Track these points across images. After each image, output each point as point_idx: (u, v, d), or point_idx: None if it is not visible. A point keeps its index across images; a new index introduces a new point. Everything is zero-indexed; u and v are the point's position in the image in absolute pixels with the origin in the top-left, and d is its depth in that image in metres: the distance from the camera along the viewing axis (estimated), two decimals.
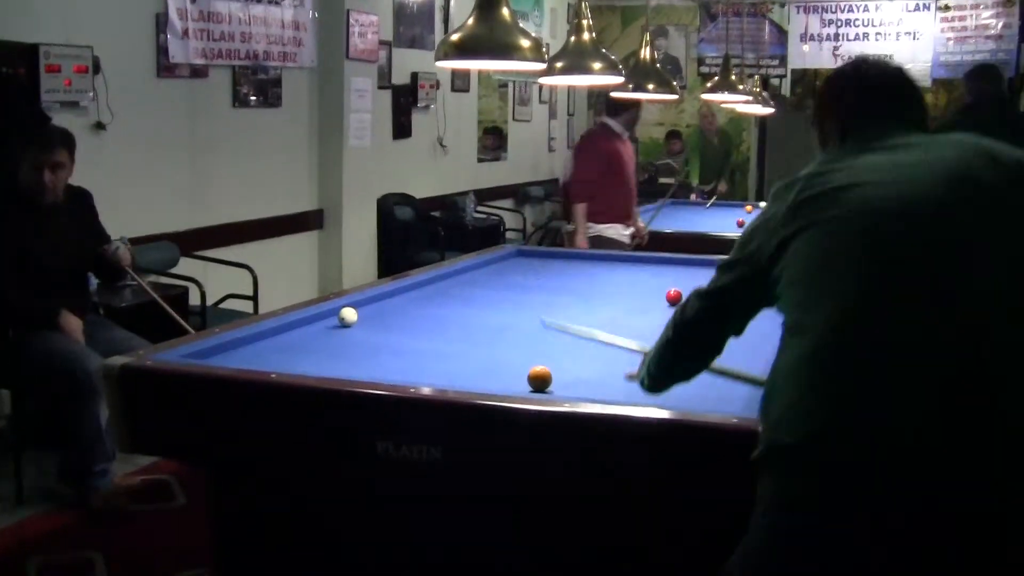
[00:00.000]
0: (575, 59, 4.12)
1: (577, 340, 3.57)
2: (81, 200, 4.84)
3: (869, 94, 2.20)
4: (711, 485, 2.42)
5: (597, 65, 4.12)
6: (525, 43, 3.12)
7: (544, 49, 3.24)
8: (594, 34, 4.15)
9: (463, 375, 3.06)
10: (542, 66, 3.35)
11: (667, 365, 2.41)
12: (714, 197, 10.46)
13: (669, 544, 2.61)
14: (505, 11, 3.13)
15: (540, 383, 2.84)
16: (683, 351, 2.37)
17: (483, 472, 2.70)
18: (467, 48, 3.11)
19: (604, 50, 4.20)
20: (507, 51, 3.11)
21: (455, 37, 3.13)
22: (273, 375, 2.89)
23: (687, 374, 2.43)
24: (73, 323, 4.59)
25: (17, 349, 4.53)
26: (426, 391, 2.75)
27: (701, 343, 2.34)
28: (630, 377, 2.68)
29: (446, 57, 3.15)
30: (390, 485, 2.80)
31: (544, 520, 2.74)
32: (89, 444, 4.48)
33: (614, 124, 6.76)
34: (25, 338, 4.52)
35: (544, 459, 2.64)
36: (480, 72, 10.14)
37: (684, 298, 2.35)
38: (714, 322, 2.27)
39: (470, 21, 3.15)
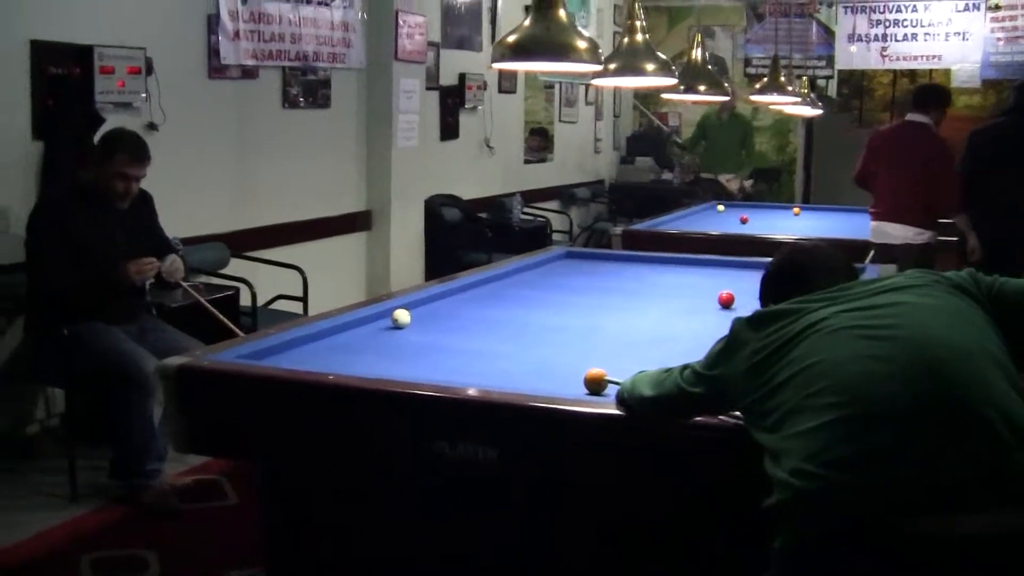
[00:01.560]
0: (628, 60, 4.10)
1: (631, 342, 3.57)
2: (144, 202, 4.90)
3: (786, 282, 2.51)
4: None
5: (650, 66, 4.09)
6: (582, 44, 3.10)
7: (600, 50, 3.22)
8: (647, 35, 4.13)
9: (517, 376, 3.06)
10: (598, 67, 3.33)
11: (644, 408, 2.55)
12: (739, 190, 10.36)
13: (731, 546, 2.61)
14: (561, 12, 3.11)
15: (596, 386, 2.83)
16: (660, 413, 2.55)
17: (539, 473, 2.70)
18: (524, 49, 3.09)
19: (657, 51, 4.18)
20: (564, 52, 3.09)
21: (511, 38, 3.11)
22: (331, 376, 2.91)
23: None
24: (132, 268, 4.61)
25: (71, 348, 4.56)
26: (483, 392, 2.76)
27: (675, 416, 2.55)
28: (613, 382, 2.77)
29: (503, 59, 3.13)
30: (446, 485, 2.81)
31: (599, 521, 2.74)
32: (142, 444, 4.52)
33: (929, 123, 6.55)
34: (79, 337, 4.56)
35: (601, 461, 2.64)
36: (527, 73, 10.13)
37: (678, 368, 2.50)
38: (687, 411, 2.52)
39: (526, 22, 3.13)
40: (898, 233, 6.35)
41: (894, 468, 1.92)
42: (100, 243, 4.63)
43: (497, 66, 3.25)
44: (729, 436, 2.42)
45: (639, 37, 4.10)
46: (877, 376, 2.02)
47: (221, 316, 4.71)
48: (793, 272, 2.55)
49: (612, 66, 4.08)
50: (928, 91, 6.87)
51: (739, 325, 2.36)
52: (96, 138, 5.10)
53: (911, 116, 6.60)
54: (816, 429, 2.01)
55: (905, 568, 1.91)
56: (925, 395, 1.97)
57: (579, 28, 3.24)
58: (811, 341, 2.16)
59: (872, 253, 6.01)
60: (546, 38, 3.08)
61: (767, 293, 2.61)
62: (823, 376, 2.07)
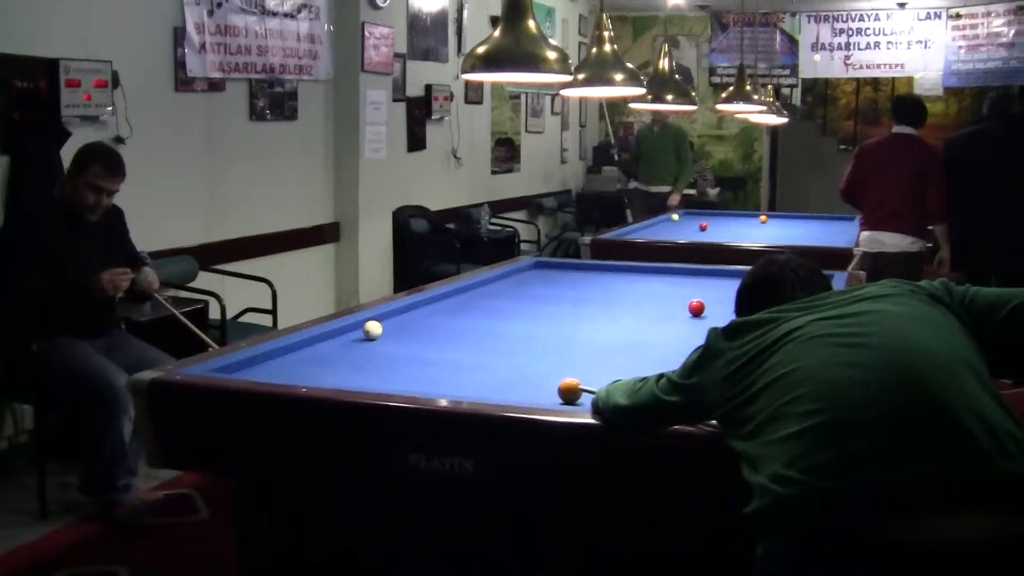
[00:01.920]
0: (597, 70, 4.13)
1: (603, 351, 3.58)
2: (114, 217, 4.87)
3: (760, 295, 2.55)
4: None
5: (619, 76, 4.12)
6: (552, 55, 3.12)
7: (570, 61, 3.24)
8: (615, 45, 4.15)
9: (492, 386, 3.06)
10: (568, 78, 3.34)
11: (619, 418, 2.56)
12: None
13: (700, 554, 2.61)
14: (531, 23, 3.12)
15: (570, 395, 2.84)
16: (635, 422, 2.55)
17: (515, 484, 2.70)
18: (495, 60, 3.10)
19: (626, 62, 4.21)
20: (535, 63, 3.11)
21: (482, 49, 3.12)
22: (303, 389, 2.90)
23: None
24: (105, 277, 4.56)
25: (41, 363, 4.53)
26: (457, 403, 2.75)
27: (651, 425, 2.54)
28: (587, 391, 2.78)
29: (473, 70, 3.14)
30: (422, 498, 2.80)
31: (576, 532, 2.74)
32: (112, 459, 4.48)
33: (918, 134, 6.71)
34: (49, 352, 4.53)
35: (576, 471, 2.64)
36: (494, 84, 10.15)
37: (653, 378, 2.52)
38: (663, 421, 2.52)
39: (496, 33, 3.15)
40: (894, 242, 6.48)
41: (876, 473, 1.92)
42: (72, 255, 4.59)
43: (468, 77, 3.26)
44: (711, 444, 2.42)
45: (607, 47, 4.13)
46: (855, 383, 2.03)
47: (195, 328, 4.69)
48: (767, 283, 2.58)
49: (581, 76, 4.10)
50: (913, 104, 6.96)
51: (714, 335, 2.38)
52: (63, 152, 5.07)
53: (898, 129, 6.71)
54: (795, 435, 2.02)
55: (893, 574, 1.91)
56: (907, 401, 1.98)
57: (548, 39, 3.25)
58: (787, 349, 2.18)
59: (856, 260, 6.08)
60: (516, 49, 3.09)
61: (742, 305, 2.63)
62: (800, 384, 2.09)
